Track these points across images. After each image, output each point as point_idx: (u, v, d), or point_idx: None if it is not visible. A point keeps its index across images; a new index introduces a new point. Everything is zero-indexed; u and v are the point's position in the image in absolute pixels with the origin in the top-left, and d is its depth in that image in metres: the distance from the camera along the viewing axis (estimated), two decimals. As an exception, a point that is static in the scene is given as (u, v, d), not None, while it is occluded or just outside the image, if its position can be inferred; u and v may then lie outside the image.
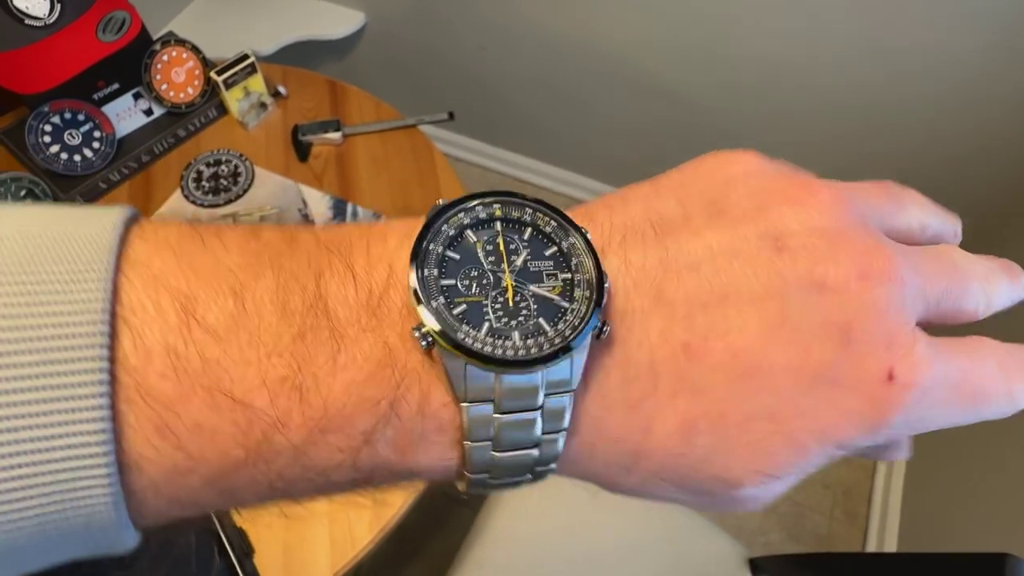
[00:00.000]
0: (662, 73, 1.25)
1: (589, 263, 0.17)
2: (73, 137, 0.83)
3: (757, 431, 0.17)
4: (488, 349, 0.16)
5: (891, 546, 1.18)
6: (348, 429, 0.16)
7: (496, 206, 0.18)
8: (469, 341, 0.16)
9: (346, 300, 0.16)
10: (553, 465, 0.18)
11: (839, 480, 1.32)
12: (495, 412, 0.16)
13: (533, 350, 0.16)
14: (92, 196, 0.86)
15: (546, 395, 0.17)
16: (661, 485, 0.18)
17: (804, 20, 1.05)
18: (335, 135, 0.93)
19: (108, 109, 0.87)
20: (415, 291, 0.16)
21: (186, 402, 0.15)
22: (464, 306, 0.17)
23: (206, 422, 0.15)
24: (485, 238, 0.18)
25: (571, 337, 0.16)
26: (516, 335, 0.17)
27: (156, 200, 0.88)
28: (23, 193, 0.82)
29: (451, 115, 0.98)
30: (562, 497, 0.84)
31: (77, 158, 0.84)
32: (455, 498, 1.19)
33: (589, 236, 0.18)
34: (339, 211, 0.88)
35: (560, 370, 0.17)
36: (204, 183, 0.89)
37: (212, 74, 0.89)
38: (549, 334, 0.17)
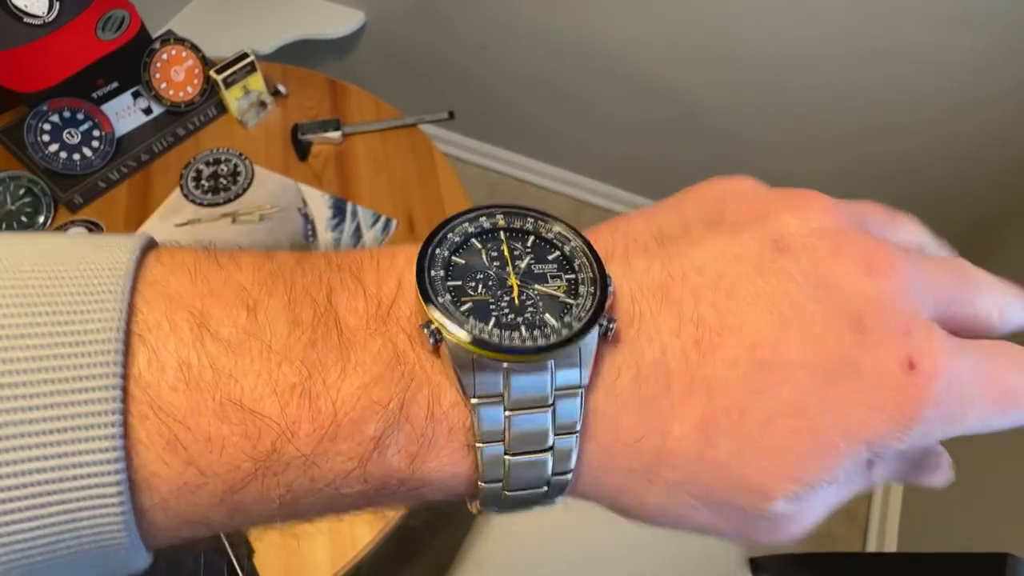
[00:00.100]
0: (662, 72, 1.25)
1: (592, 263, 0.18)
2: (72, 136, 0.83)
3: (781, 429, 0.16)
4: (495, 340, 0.16)
5: (891, 546, 1.18)
6: (357, 435, 0.16)
7: (499, 216, 0.19)
8: (476, 332, 0.16)
9: (356, 310, 0.17)
10: (569, 476, 0.17)
11: (839, 480, 1.32)
12: (505, 410, 0.16)
13: (540, 340, 0.16)
14: (91, 195, 0.86)
15: (556, 396, 0.16)
16: (687, 502, 0.17)
17: (804, 19, 1.05)
18: (335, 134, 0.93)
19: (107, 108, 0.87)
20: (421, 289, 0.16)
21: (197, 415, 0.15)
22: (470, 304, 0.17)
23: (216, 434, 0.15)
24: (490, 245, 0.19)
25: (577, 329, 0.17)
26: (523, 328, 0.17)
27: (155, 199, 0.88)
28: (22, 192, 0.82)
29: (451, 114, 0.98)
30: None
31: (76, 157, 0.84)
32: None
33: (590, 240, 0.18)
34: (339, 210, 0.87)
35: (569, 364, 0.16)
36: (203, 182, 0.89)
37: (212, 73, 0.89)
38: (556, 326, 0.17)
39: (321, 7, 1.41)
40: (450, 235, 0.18)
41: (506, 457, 0.17)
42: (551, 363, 0.16)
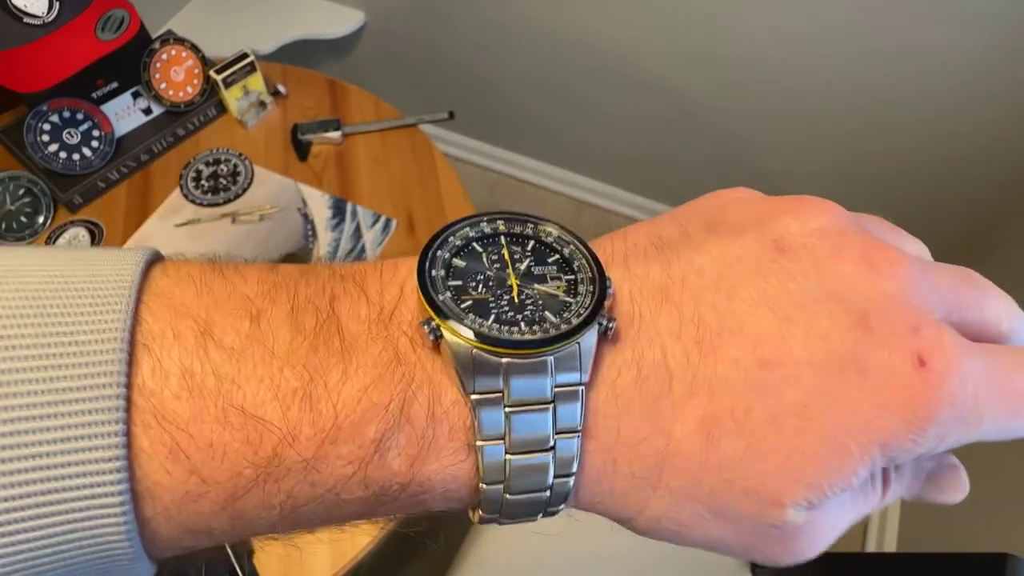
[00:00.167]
0: (662, 72, 1.24)
1: (590, 264, 0.18)
2: (72, 136, 0.83)
3: (787, 430, 0.16)
4: (495, 334, 0.16)
5: (891, 546, 1.18)
6: (358, 437, 0.16)
7: (500, 222, 0.19)
8: (476, 327, 0.16)
9: (358, 316, 0.17)
10: (571, 480, 0.17)
11: (839, 480, 1.32)
12: (505, 407, 0.16)
13: (539, 334, 0.17)
14: (91, 195, 0.86)
15: (557, 395, 0.16)
16: (693, 510, 0.17)
17: (804, 19, 1.05)
18: (335, 134, 0.93)
19: (107, 108, 0.87)
20: (422, 286, 0.17)
21: (199, 421, 0.15)
22: (471, 302, 0.17)
23: (218, 440, 0.15)
24: (491, 249, 0.19)
25: (576, 323, 0.17)
26: (522, 324, 0.17)
27: (155, 199, 0.88)
28: (21, 192, 0.82)
29: (451, 114, 0.98)
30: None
31: (76, 157, 0.84)
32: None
33: (588, 244, 0.19)
34: (338, 210, 0.87)
35: (569, 361, 0.16)
36: (203, 182, 0.89)
37: (211, 73, 0.89)
38: (555, 321, 0.17)
39: (321, 7, 1.41)
40: (451, 239, 0.19)
41: (507, 457, 0.16)
42: (550, 360, 0.16)
